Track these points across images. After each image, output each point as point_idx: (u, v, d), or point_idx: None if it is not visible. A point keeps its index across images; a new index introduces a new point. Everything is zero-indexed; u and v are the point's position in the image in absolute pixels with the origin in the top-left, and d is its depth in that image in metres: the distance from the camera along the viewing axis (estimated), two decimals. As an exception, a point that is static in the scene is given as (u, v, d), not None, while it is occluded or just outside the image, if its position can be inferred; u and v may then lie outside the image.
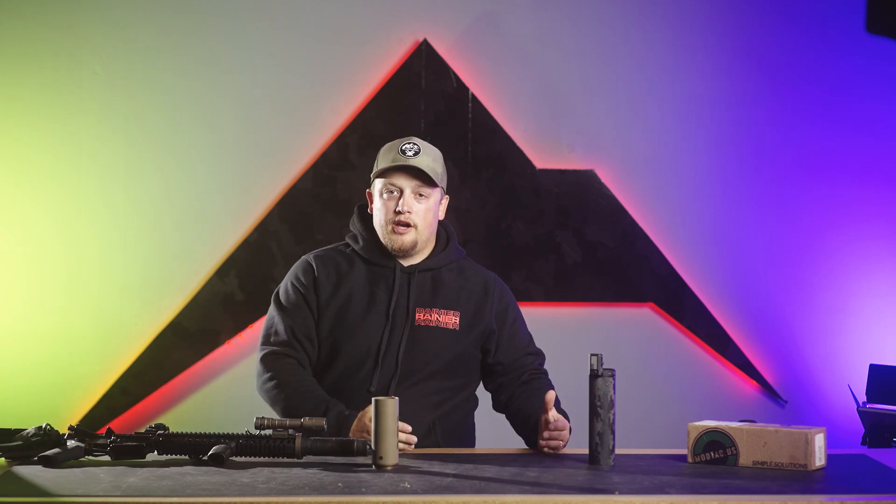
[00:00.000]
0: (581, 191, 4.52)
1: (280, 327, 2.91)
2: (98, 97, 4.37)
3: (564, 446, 2.74)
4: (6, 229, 4.35)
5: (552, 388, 2.95)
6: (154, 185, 4.40)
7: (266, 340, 2.93)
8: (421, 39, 4.45)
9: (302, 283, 2.93)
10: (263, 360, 2.91)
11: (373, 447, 2.47)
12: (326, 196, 4.41)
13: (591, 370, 2.54)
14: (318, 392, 2.85)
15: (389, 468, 2.45)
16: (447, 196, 2.99)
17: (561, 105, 4.52)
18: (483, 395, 3.04)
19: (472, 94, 4.46)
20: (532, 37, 4.51)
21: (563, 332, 4.45)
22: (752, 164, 4.56)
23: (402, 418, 2.64)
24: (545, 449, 2.72)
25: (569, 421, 2.79)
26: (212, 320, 4.40)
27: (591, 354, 2.54)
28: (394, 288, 2.90)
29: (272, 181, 4.44)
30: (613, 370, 2.55)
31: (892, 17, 4.54)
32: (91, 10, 4.37)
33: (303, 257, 2.99)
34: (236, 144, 4.43)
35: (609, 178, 4.52)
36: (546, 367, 3.04)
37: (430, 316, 2.91)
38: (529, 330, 3.07)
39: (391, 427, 2.46)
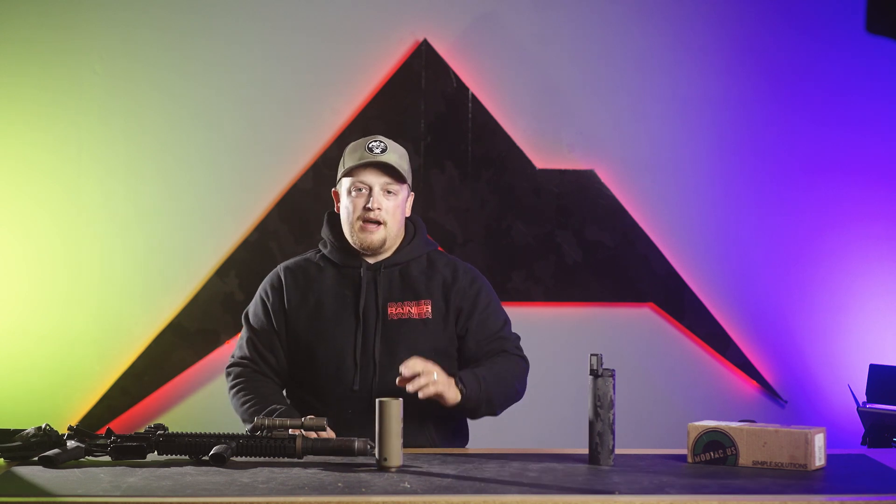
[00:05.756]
0: (581, 191, 4.52)
1: (243, 341, 2.98)
2: (98, 97, 4.37)
3: (432, 386, 2.69)
4: (6, 229, 4.35)
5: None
6: (154, 185, 4.40)
7: (232, 355, 3.01)
8: (421, 39, 4.45)
9: (268, 294, 2.97)
10: (226, 374, 2.99)
11: (376, 449, 2.47)
12: (326, 196, 4.40)
13: (591, 370, 2.54)
14: (265, 396, 2.87)
15: (394, 470, 2.44)
16: (413, 193, 3.00)
17: (561, 105, 4.52)
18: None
19: (472, 94, 4.46)
20: (532, 37, 4.51)
21: (563, 332, 4.45)
22: (753, 163, 4.56)
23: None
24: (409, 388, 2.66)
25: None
26: (212, 320, 4.40)
27: (591, 354, 2.54)
28: (361, 287, 2.91)
29: (272, 181, 4.44)
30: (613, 370, 2.55)
31: (892, 17, 4.53)
32: (91, 10, 4.37)
33: (274, 268, 3.02)
34: (236, 144, 4.43)
35: (609, 178, 4.52)
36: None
37: (403, 309, 2.91)
38: (527, 329, 3.05)
39: (395, 429, 2.45)
